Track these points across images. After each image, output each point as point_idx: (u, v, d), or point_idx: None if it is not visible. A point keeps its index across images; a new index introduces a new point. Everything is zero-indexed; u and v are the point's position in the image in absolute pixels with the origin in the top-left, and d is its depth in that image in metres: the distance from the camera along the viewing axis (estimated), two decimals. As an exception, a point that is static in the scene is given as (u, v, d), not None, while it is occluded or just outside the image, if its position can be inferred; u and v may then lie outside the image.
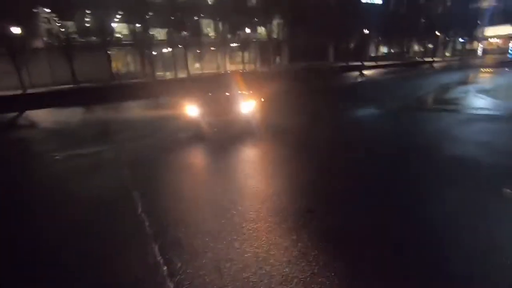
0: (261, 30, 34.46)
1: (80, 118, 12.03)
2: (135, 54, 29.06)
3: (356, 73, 27.55)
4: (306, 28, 34.65)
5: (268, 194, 3.99)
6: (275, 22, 33.89)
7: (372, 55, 43.84)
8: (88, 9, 25.16)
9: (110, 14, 25.58)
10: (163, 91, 16.10)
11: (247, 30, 32.42)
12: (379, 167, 4.88)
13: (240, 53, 34.44)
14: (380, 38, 43.36)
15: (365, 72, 28.21)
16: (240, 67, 33.22)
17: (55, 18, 24.60)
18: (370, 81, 21.91)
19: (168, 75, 28.99)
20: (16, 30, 19.05)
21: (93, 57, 25.45)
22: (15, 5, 19.72)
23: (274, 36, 34.04)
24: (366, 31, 37.61)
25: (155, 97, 15.77)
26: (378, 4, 42.91)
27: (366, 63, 32.34)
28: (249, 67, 31.97)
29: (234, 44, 33.90)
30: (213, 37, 33.04)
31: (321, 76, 24.22)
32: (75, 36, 24.04)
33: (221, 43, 31.80)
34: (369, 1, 42.14)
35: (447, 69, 28.70)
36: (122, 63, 29.47)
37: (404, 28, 39.64)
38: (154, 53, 28.15)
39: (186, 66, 28.57)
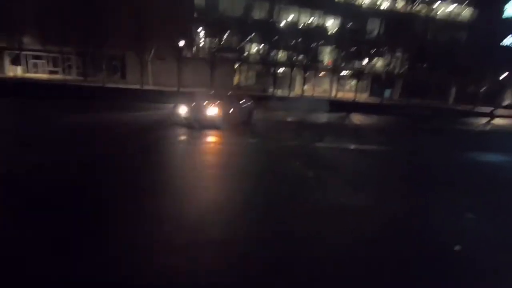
0: (377, 61, 34.29)
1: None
2: (257, 70, 33.30)
3: (483, 120, 24.56)
4: (427, 64, 32.79)
5: None
6: (394, 54, 33.21)
7: (507, 103, 37.77)
8: (229, 30, 30.22)
9: (244, 35, 30.12)
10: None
11: (363, 60, 32.75)
12: None
13: (350, 81, 35.02)
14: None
15: (499, 121, 24.83)
16: (348, 95, 33.71)
17: (204, 36, 30.60)
18: (502, 131, 19.40)
19: (280, 92, 31.88)
20: (180, 42, 24.66)
21: (223, 69, 30.25)
22: (182, 23, 25.82)
23: (390, 68, 33.33)
24: (503, 76, 32.99)
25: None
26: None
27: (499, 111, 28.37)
28: (357, 96, 32.11)
29: (346, 72, 34.69)
30: (327, 64, 34.58)
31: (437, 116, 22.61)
32: (215, 50, 29.19)
33: (334, 70, 33.07)
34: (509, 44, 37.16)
35: None
36: (244, 77, 33.94)
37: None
38: (272, 71, 31.48)
39: (298, 87, 30.80)
